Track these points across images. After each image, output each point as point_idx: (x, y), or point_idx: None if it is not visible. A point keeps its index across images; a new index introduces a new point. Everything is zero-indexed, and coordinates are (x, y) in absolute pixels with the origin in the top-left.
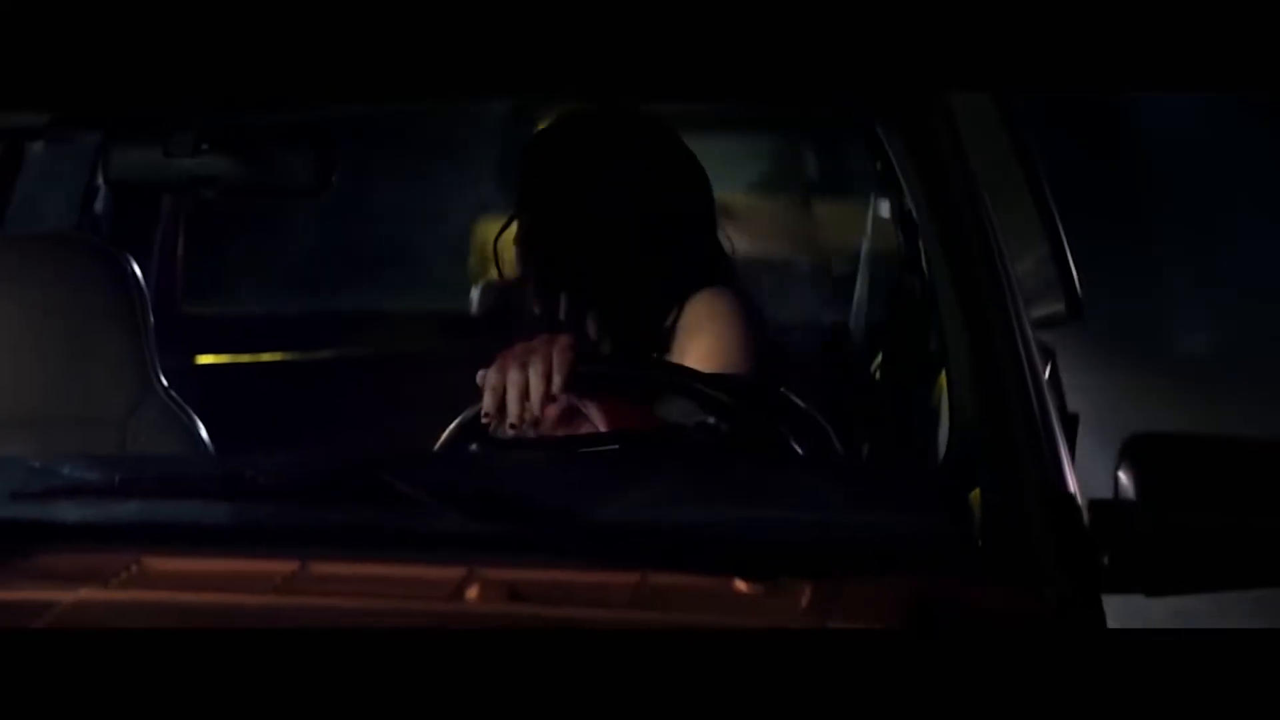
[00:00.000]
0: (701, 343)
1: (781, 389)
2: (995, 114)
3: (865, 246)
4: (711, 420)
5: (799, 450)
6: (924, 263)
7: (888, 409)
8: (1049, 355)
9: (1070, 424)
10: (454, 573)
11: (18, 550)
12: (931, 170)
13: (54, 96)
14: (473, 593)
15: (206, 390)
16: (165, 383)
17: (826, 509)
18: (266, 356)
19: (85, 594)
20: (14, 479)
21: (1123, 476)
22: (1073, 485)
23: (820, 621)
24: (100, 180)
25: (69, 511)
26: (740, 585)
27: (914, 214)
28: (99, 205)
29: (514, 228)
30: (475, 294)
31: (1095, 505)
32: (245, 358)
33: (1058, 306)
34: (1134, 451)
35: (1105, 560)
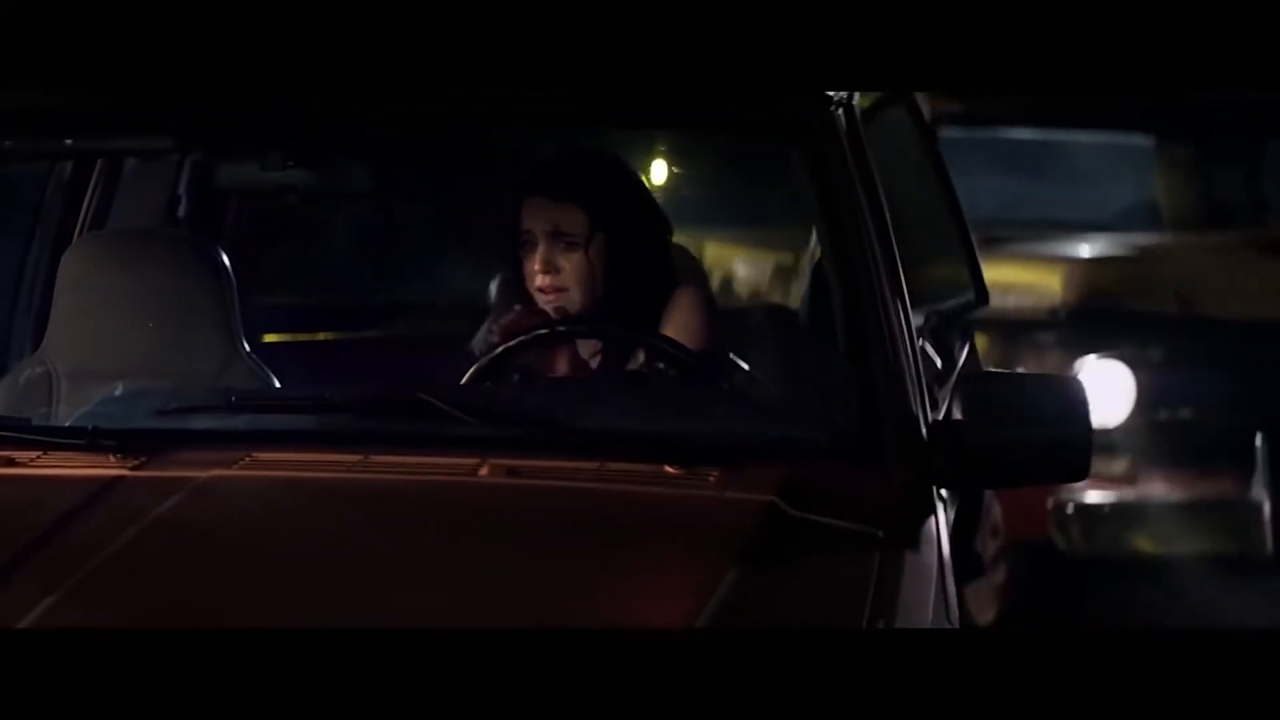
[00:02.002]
0: (675, 320)
1: (717, 348)
2: (914, 134)
3: (810, 245)
4: (662, 365)
5: (722, 385)
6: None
7: (802, 360)
8: (968, 333)
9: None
10: (471, 461)
11: (163, 448)
12: (821, 182)
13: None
14: (484, 471)
15: (272, 362)
16: (248, 348)
17: (733, 421)
18: (321, 336)
19: (215, 473)
20: (154, 403)
21: (955, 403)
22: (918, 408)
23: (721, 491)
24: (181, 190)
25: (200, 423)
26: (669, 469)
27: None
28: (180, 211)
29: None
30: (493, 287)
31: (934, 423)
32: (303, 336)
33: (970, 296)
34: (962, 385)
35: (937, 460)
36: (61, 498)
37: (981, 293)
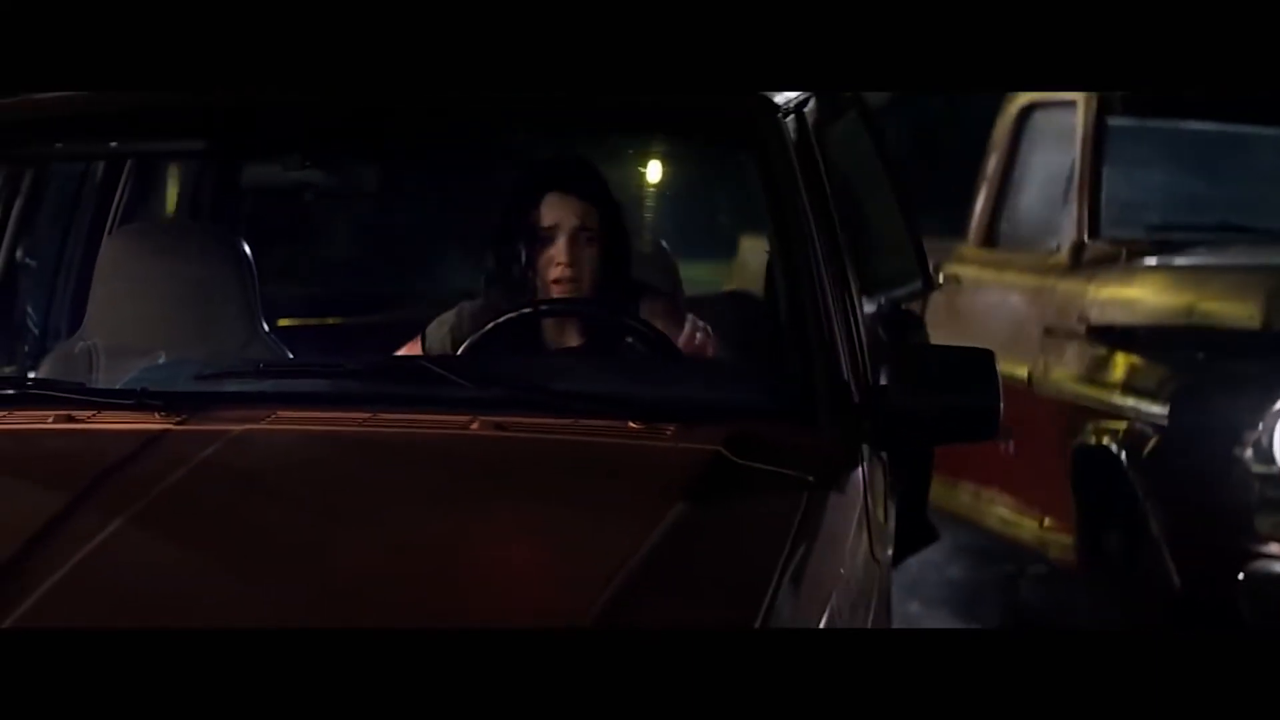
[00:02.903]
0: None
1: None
2: (868, 138)
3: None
4: (630, 340)
5: (680, 356)
6: None
7: (752, 336)
8: (918, 318)
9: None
10: (464, 418)
11: (201, 407)
12: (767, 181)
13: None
14: (474, 426)
15: (286, 344)
16: (266, 328)
17: (688, 386)
18: (330, 320)
19: (246, 427)
20: (192, 370)
21: (882, 370)
22: (849, 377)
23: (675, 443)
24: (200, 187)
25: (231, 386)
26: (632, 425)
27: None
28: (199, 209)
29: None
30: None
31: (863, 389)
32: (313, 321)
33: (918, 284)
34: (888, 357)
35: (866, 421)
36: (118, 447)
37: (928, 280)
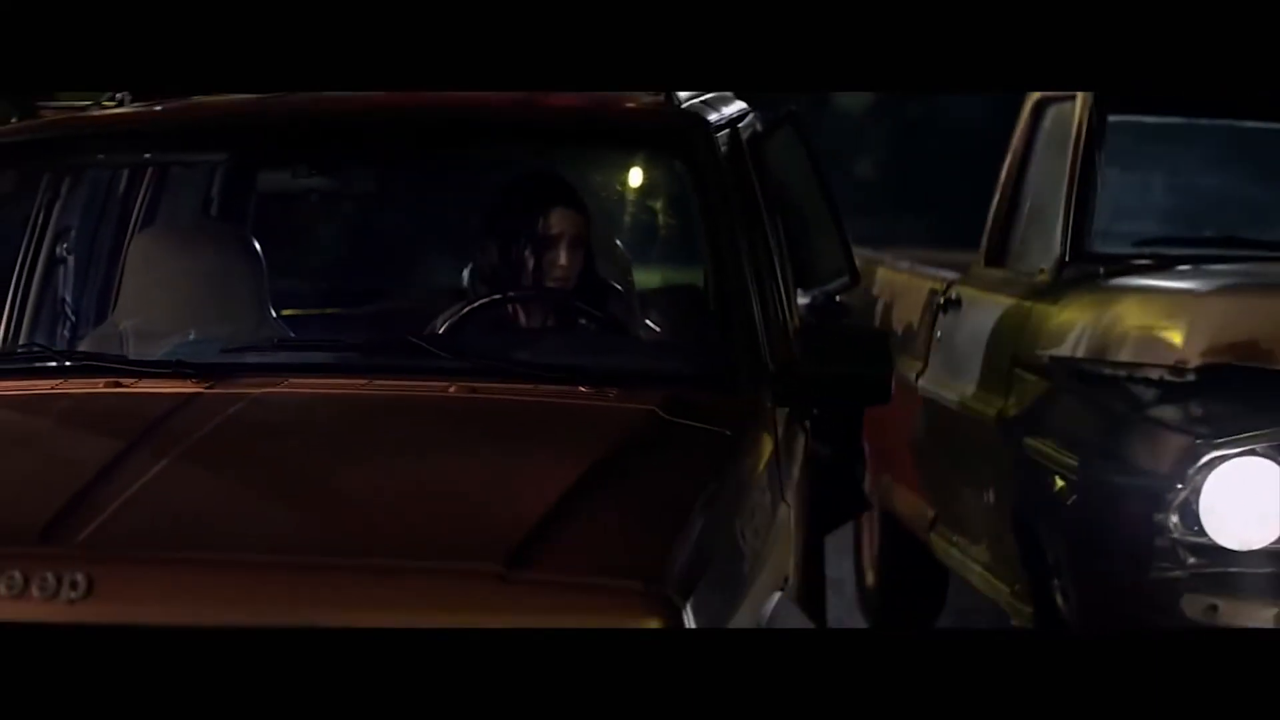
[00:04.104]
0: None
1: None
2: (801, 150)
3: None
4: (584, 321)
5: (625, 334)
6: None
7: (687, 319)
8: (846, 308)
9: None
10: (444, 384)
11: (227, 375)
12: (698, 186)
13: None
14: (452, 390)
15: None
16: (275, 314)
17: (631, 358)
18: (326, 309)
19: (265, 391)
20: (217, 345)
21: (799, 346)
22: (766, 352)
23: (617, 403)
24: (214, 192)
25: (251, 358)
26: (582, 389)
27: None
28: (213, 210)
29: None
30: (465, 274)
31: (776, 360)
32: (313, 310)
33: (846, 279)
34: (799, 334)
35: (779, 387)
36: (161, 405)
37: (854, 275)
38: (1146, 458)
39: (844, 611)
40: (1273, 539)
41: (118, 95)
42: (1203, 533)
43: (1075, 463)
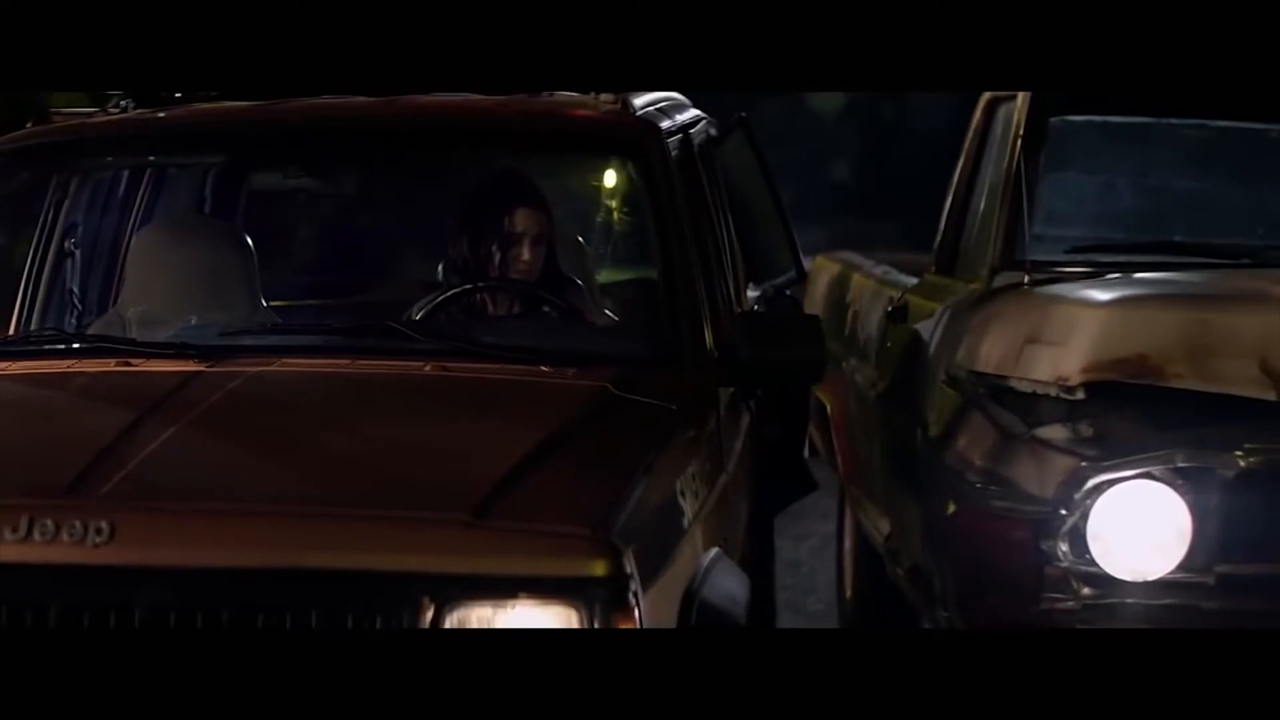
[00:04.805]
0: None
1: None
2: (751, 154)
3: None
4: (546, 309)
5: (587, 321)
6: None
7: (639, 307)
8: (796, 301)
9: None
10: (422, 363)
11: (226, 355)
12: (648, 186)
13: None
14: (427, 369)
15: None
16: (265, 303)
17: (587, 342)
18: (312, 301)
19: (260, 369)
20: (216, 329)
21: (738, 331)
22: (710, 336)
23: (576, 381)
24: (208, 192)
25: (247, 340)
26: (543, 368)
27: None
28: (205, 208)
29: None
30: (440, 267)
31: (720, 343)
32: (297, 302)
33: (793, 274)
34: (740, 321)
35: (721, 368)
36: (168, 381)
37: (800, 271)
38: (1034, 481)
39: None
40: (1169, 569)
41: (122, 102)
42: (1093, 562)
43: (965, 485)
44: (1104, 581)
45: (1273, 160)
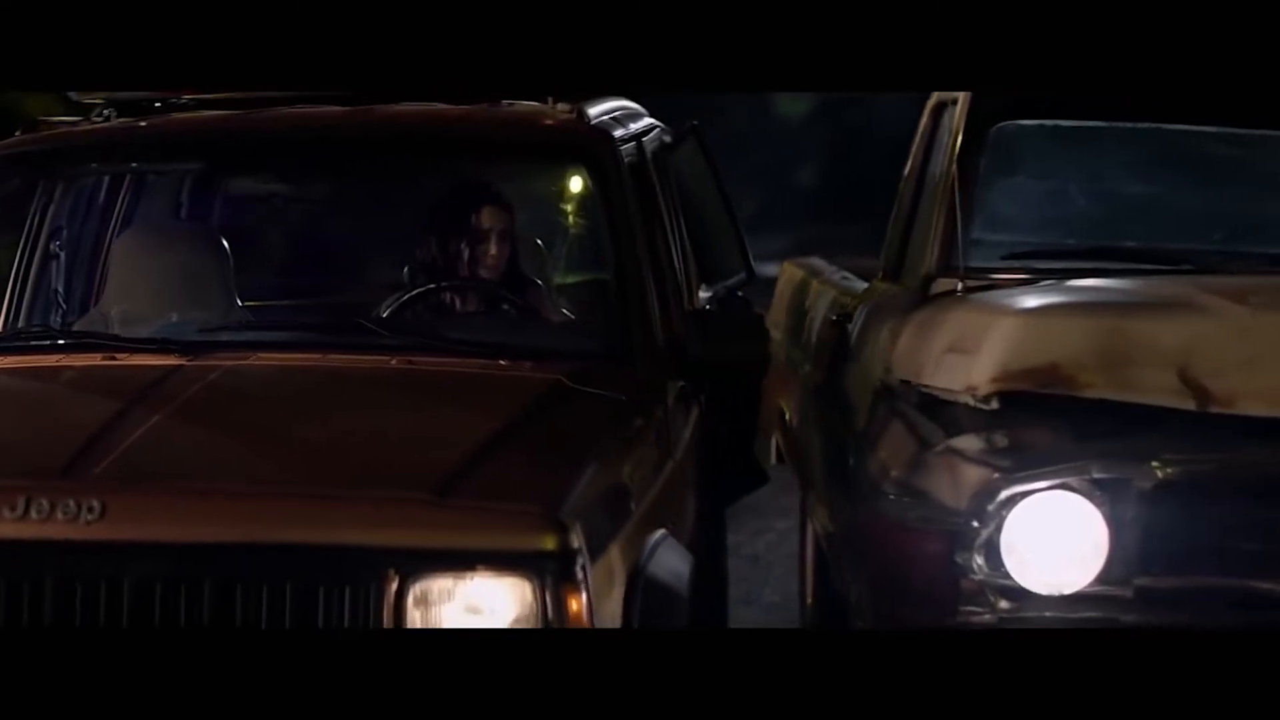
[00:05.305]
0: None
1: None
2: (703, 160)
3: None
4: (506, 307)
5: (539, 318)
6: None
7: (593, 305)
8: (747, 301)
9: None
10: (388, 358)
11: (205, 351)
12: (600, 191)
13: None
14: (393, 363)
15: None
16: (241, 303)
17: (543, 338)
18: (285, 302)
19: (236, 363)
20: (195, 326)
21: (686, 328)
22: (659, 334)
23: (532, 374)
24: (184, 197)
25: (225, 336)
26: (502, 362)
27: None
28: (182, 214)
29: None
30: (406, 271)
31: (670, 340)
32: (271, 302)
33: (744, 275)
34: (688, 319)
35: (671, 364)
36: (152, 374)
37: (750, 272)
38: (948, 492)
39: None
40: (1086, 582)
41: (105, 111)
42: (1008, 575)
43: (882, 496)
44: (1020, 594)
45: (1230, 164)
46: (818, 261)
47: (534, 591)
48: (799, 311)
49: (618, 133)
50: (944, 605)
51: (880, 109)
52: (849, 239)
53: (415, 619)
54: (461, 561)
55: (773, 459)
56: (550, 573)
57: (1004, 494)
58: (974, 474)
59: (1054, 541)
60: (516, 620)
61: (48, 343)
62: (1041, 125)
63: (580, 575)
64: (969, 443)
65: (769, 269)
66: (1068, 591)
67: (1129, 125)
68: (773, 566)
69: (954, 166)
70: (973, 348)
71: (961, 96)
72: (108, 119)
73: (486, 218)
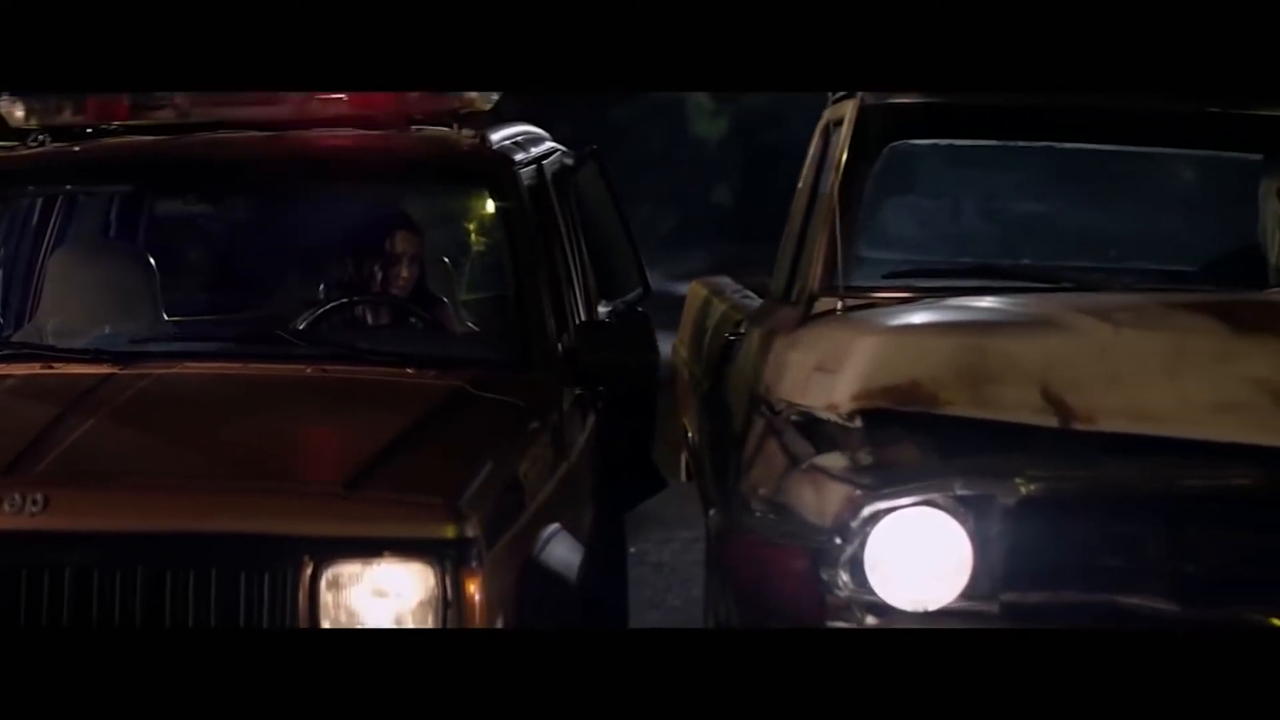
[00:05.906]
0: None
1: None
2: (602, 182)
3: None
4: (413, 320)
5: (449, 331)
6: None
7: (494, 318)
8: (644, 315)
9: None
10: (303, 366)
11: (135, 360)
12: (501, 211)
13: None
14: (309, 371)
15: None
16: (166, 317)
17: (448, 348)
18: (209, 317)
19: (165, 372)
20: (125, 338)
21: (577, 338)
22: (555, 343)
23: (436, 380)
24: (113, 217)
25: (154, 348)
26: (409, 370)
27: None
28: (110, 232)
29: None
30: (321, 287)
31: (567, 350)
32: (197, 317)
33: (640, 290)
34: (578, 329)
35: (566, 371)
36: (86, 381)
37: (646, 288)
38: (812, 509)
39: None
40: (950, 598)
41: (40, 137)
42: (873, 591)
43: (750, 514)
44: (885, 611)
45: (1125, 182)
46: (723, 280)
47: (435, 576)
48: (701, 330)
49: (518, 156)
50: (809, 622)
51: (797, 128)
52: (765, 257)
53: (328, 602)
54: (370, 549)
55: (683, 476)
56: (450, 559)
57: (867, 510)
58: (838, 491)
59: (918, 558)
60: (420, 603)
61: None
62: (935, 145)
63: (477, 562)
64: (834, 460)
65: (685, 288)
66: (932, 608)
67: (1020, 144)
68: (676, 572)
69: (835, 186)
70: (836, 366)
71: (847, 117)
72: (42, 144)
73: (400, 242)
